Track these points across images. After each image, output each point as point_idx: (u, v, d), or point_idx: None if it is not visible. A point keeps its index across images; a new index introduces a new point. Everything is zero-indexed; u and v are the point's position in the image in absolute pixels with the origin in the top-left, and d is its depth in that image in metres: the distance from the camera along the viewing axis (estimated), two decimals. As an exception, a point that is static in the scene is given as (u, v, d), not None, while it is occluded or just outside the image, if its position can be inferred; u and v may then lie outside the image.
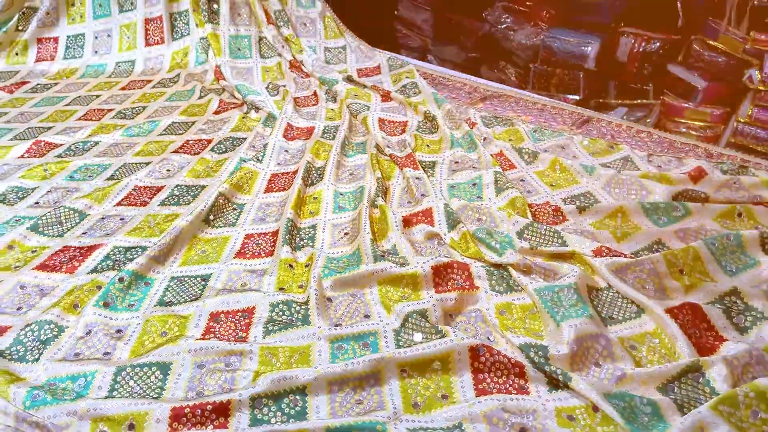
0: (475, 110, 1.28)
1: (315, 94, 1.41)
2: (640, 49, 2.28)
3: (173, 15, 1.57)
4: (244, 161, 1.14)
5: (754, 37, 1.93)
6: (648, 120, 2.24)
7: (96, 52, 1.55)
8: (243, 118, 1.33)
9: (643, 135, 1.16)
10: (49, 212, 0.98)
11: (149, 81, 1.54)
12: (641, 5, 2.43)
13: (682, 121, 2.26)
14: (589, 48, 2.28)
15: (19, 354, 0.73)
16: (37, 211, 1.00)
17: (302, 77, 1.46)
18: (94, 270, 0.87)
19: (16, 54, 1.56)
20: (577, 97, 2.37)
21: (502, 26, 2.51)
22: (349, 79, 1.48)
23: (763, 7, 2.01)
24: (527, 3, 2.49)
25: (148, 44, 1.57)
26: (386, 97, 1.38)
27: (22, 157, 1.17)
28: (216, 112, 1.35)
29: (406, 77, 1.46)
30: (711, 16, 2.15)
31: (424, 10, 2.77)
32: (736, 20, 2.09)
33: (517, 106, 1.30)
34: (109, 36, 1.57)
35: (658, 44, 2.26)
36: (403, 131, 1.23)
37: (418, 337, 0.72)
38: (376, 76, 1.54)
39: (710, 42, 2.12)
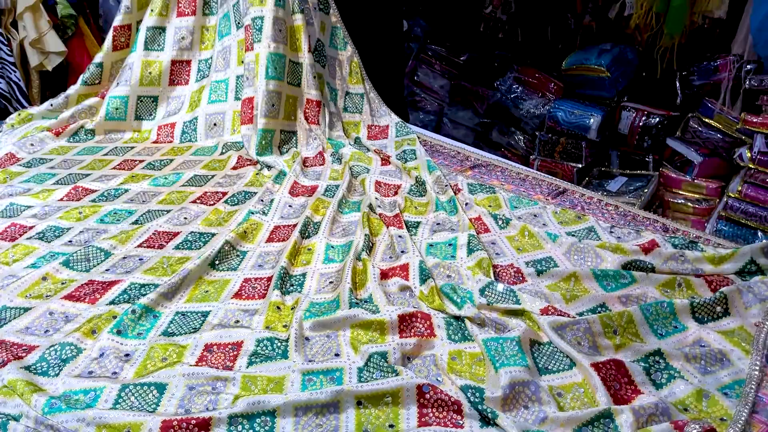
0: (464, 177, 1.42)
1: (322, 154, 1.57)
2: (641, 123, 2.42)
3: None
4: (252, 213, 1.29)
5: (744, 118, 2.05)
6: (646, 189, 2.35)
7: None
8: (256, 174, 1.49)
9: (610, 208, 1.28)
10: (80, 250, 1.14)
11: (173, 128, 1.72)
12: (642, 83, 2.58)
13: (680, 192, 2.37)
14: (592, 120, 2.42)
15: (43, 369, 0.87)
16: (69, 248, 1.16)
17: (314, 130, 1.62)
18: (112, 302, 1.02)
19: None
20: (579, 165, 2.50)
21: (512, 95, 2.68)
22: (356, 141, 1.64)
23: (754, 91, 2.13)
24: (536, 75, 2.66)
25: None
26: (386, 161, 1.53)
27: (61, 200, 1.34)
28: (233, 168, 1.52)
29: (408, 144, 1.61)
30: (707, 96, 2.29)
31: (441, 77, 2.96)
32: (730, 101, 2.22)
33: (502, 175, 1.44)
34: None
35: (657, 119, 2.39)
36: (396, 193, 1.38)
37: (377, 374, 0.84)
38: (383, 139, 1.68)
39: (706, 120, 2.25)
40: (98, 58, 1.76)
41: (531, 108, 2.63)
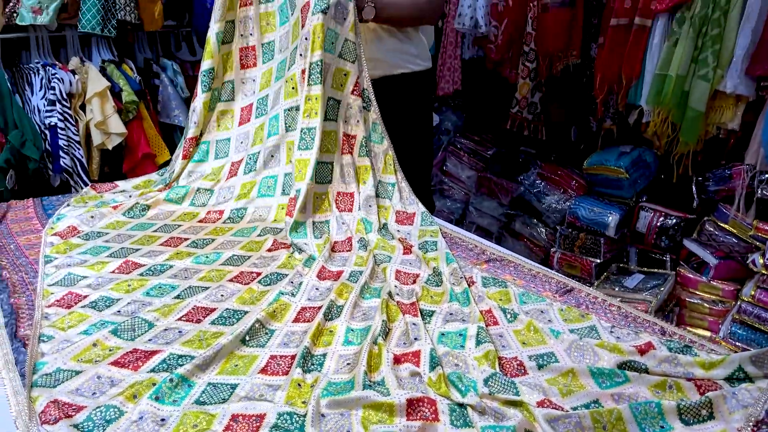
0: (479, 270, 1.53)
1: (350, 240, 1.70)
2: (658, 224, 2.51)
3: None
4: (282, 294, 1.41)
5: (757, 226, 2.13)
6: (662, 288, 2.42)
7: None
8: (289, 257, 1.63)
9: (613, 308, 1.37)
10: (127, 320, 1.27)
11: (221, 215, 1.88)
12: (660, 184, 2.69)
13: (697, 292, 2.43)
14: (611, 218, 2.53)
15: (89, 428, 0.99)
16: (118, 318, 1.30)
17: (346, 215, 1.76)
18: (153, 370, 1.14)
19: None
20: (598, 260, 2.59)
21: (536, 190, 2.82)
22: (383, 227, 1.78)
23: (766, 200, 2.23)
24: (558, 172, 2.80)
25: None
26: (408, 250, 1.66)
27: (113, 272, 1.49)
28: (268, 250, 1.66)
29: (431, 235, 1.74)
30: (723, 202, 2.38)
31: (469, 168, 3.12)
32: (744, 208, 2.31)
33: (515, 271, 1.55)
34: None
35: (674, 220, 2.49)
36: (414, 282, 1.49)
37: None
38: (408, 225, 1.82)
39: (721, 224, 2.34)
40: (176, 167, 1.99)
41: (553, 203, 2.75)
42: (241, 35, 2.01)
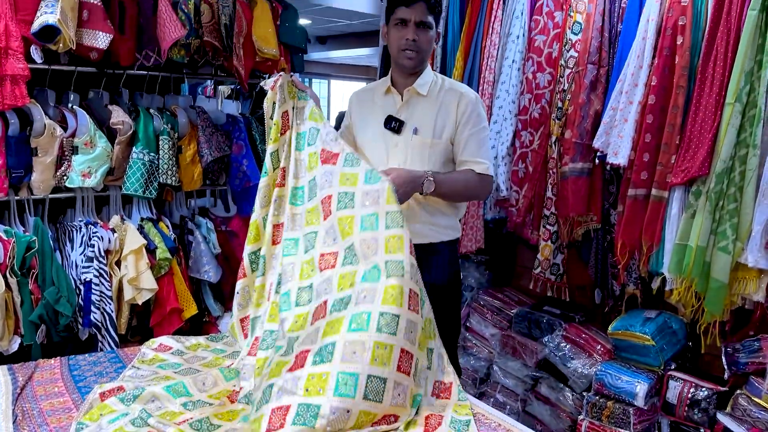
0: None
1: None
2: (689, 395, 2.43)
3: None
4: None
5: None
6: (699, 466, 2.29)
7: None
8: None
9: None
10: None
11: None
12: (689, 353, 2.64)
13: (736, 472, 2.29)
14: (638, 387, 2.46)
15: None
16: None
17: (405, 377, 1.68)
18: None
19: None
20: (628, 432, 2.49)
21: (560, 353, 2.77)
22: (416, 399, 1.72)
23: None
24: (583, 335, 2.77)
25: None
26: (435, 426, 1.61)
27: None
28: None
29: (466, 414, 1.68)
30: (754, 375, 2.31)
31: (493, 326, 3.11)
32: (777, 382, 2.23)
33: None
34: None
35: (706, 392, 2.41)
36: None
37: None
38: (445, 399, 1.75)
39: (755, 399, 2.25)
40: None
41: (579, 367, 2.70)
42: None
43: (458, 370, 2.25)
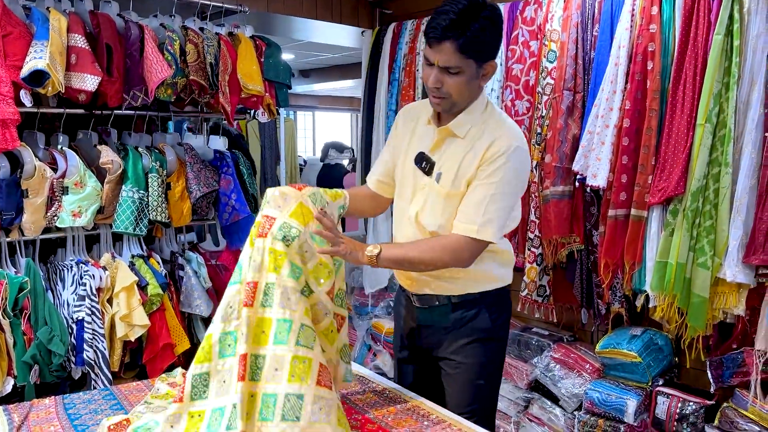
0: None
1: None
2: (677, 410, 2.48)
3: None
4: None
5: (774, 416, 2.10)
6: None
7: None
8: None
9: None
10: None
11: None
12: (675, 368, 2.69)
13: (729, 488, 2.32)
14: (628, 403, 2.50)
15: None
16: None
17: None
18: None
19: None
20: (620, 450, 2.52)
21: (550, 374, 2.81)
22: None
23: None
24: (572, 355, 2.82)
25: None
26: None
27: None
28: None
29: None
30: (739, 387, 2.37)
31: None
32: (762, 394, 2.29)
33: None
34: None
35: (693, 406, 2.45)
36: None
37: None
38: None
39: (742, 411, 2.30)
40: None
41: (569, 386, 2.73)
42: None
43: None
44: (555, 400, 2.83)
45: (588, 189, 2.73)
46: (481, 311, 1.91)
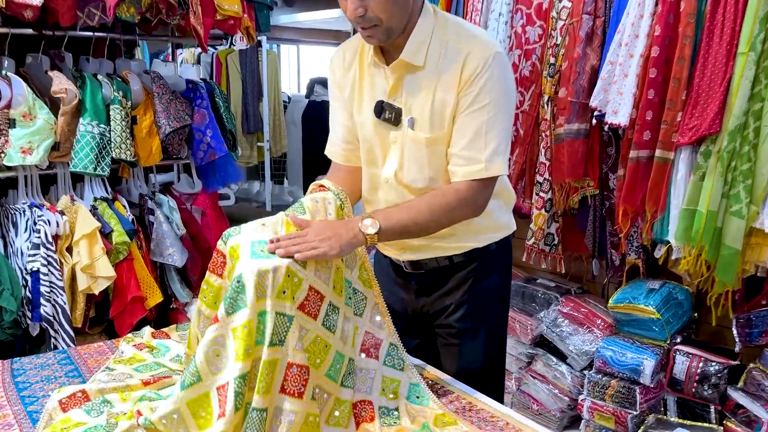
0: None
1: None
2: (698, 371, 2.27)
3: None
4: None
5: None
6: (711, 447, 2.14)
7: None
8: None
9: None
10: None
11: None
12: (697, 325, 2.48)
13: (751, 452, 2.15)
14: (645, 363, 2.29)
15: None
16: None
17: None
18: None
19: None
20: (634, 412, 2.33)
21: (558, 329, 2.59)
22: None
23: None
24: (581, 309, 2.59)
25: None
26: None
27: None
28: None
29: None
30: (767, 348, 2.16)
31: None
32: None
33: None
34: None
35: (716, 367, 2.25)
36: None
37: None
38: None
39: (770, 373, 2.10)
40: None
41: (579, 343, 2.52)
42: None
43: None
44: (561, 356, 2.62)
45: (606, 128, 2.44)
46: (487, 267, 1.63)
